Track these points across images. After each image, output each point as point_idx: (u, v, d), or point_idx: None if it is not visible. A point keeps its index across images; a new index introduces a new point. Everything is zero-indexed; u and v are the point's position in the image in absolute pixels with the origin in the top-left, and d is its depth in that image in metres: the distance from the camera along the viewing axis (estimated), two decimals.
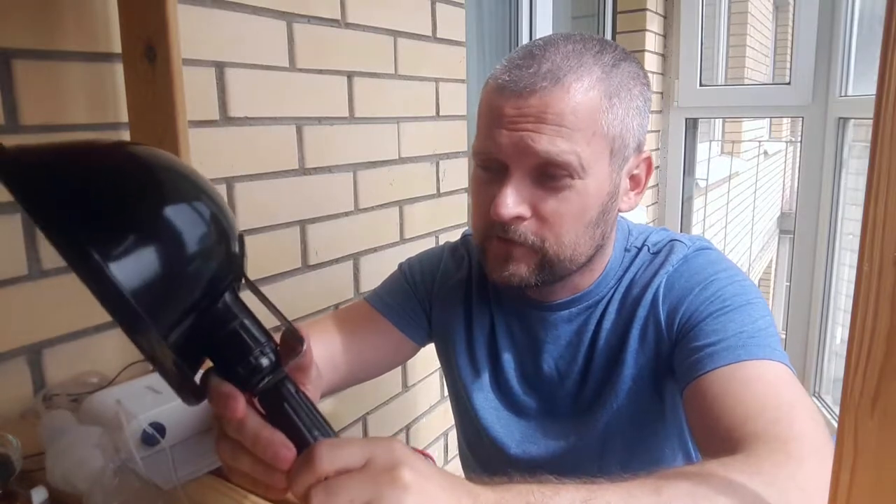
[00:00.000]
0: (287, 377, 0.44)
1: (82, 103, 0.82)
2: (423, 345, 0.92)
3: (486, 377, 0.86)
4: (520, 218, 0.69)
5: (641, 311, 0.75)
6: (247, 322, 0.43)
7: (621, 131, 0.70)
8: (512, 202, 0.68)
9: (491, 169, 0.71)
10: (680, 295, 0.73)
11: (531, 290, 0.78)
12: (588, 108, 0.67)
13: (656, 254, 0.79)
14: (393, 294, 0.91)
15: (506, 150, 0.68)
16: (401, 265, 0.95)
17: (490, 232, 0.72)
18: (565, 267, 0.73)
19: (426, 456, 0.49)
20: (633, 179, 0.76)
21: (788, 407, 0.58)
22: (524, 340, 0.83)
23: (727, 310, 0.69)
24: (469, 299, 0.88)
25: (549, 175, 0.68)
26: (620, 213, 0.77)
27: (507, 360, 0.84)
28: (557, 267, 0.72)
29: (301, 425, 0.43)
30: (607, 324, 0.78)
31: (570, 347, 0.80)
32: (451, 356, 0.89)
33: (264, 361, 0.43)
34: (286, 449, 0.42)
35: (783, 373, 0.64)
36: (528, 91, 0.66)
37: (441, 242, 1.53)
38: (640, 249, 0.80)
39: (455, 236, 1.60)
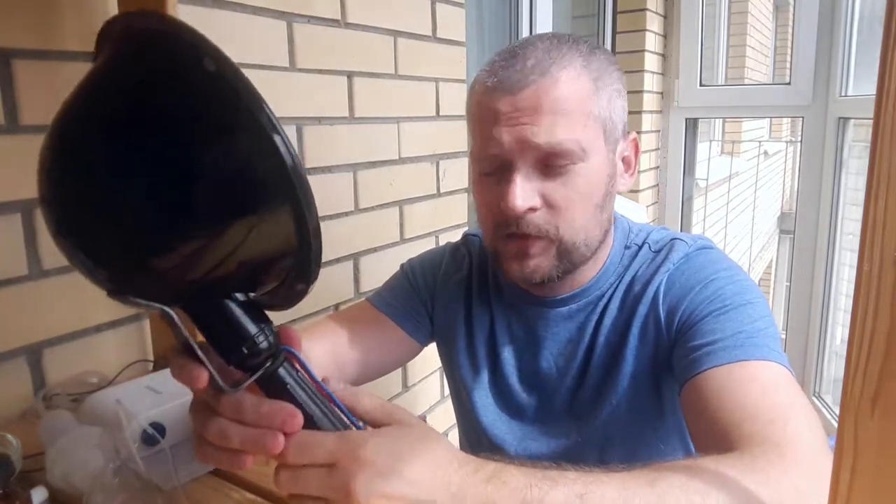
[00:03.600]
0: (287, 361, 0.45)
1: None
2: (426, 344, 0.92)
3: (485, 376, 0.86)
4: (532, 209, 0.70)
5: (642, 309, 0.76)
6: (245, 304, 0.44)
7: (610, 113, 0.72)
8: (522, 195, 0.69)
9: (494, 171, 0.72)
10: (680, 293, 0.74)
11: (536, 286, 0.78)
12: (579, 93, 0.69)
13: (658, 252, 0.79)
14: (396, 294, 0.91)
15: (508, 146, 0.69)
16: (403, 265, 0.95)
17: (501, 231, 0.73)
18: (581, 253, 0.74)
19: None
20: (625, 161, 0.78)
21: (784, 408, 0.59)
22: (523, 338, 0.84)
23: (726, 309, 0.69)
24: (469, 298, 0.88)
25: (554, 164, 0.70)
26: (618, 194, 0.79)
27: (507, 357, 0.84)
28: (574, 254, 0.74)
29: (307, 408, 0.44)
30: (608, 321, 0.78)
31: (569, 344, 0.80)
32: (452, 355, 0.89)
33: (263, 344, 0.43)
34: (292, 416, 0.44)
35: (780, 374, 0.64)
36: (519, 87, 0.68)
37: (441, 242, 1.53)
38: (640, 247, 0.81)
39: (455, 236, 1.60)
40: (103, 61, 0.43)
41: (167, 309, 0.42)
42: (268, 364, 0.44)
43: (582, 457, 0.79)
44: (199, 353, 0.42)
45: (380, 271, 1.35)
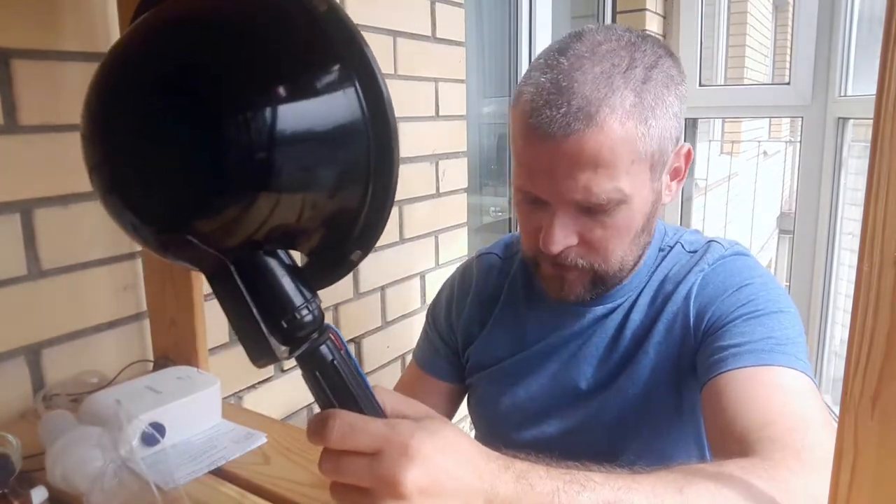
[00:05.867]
0: (331, 340, 0.44)
1: (82, 104, 0.82)
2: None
3: (502, 363, 0.86)
4: (568, 248, 0.72)
5: (672, 306, 0.76)
6: (293, 275, 0.43)
7: (660, 145, 0.69)
8: (559, 238, 0.70)
9: (531, 200, 0.72)
10: (713, 294, 0.74)
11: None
12: (624, 141, 0.65)
13: (693, 252, 0.80)
14: (428, 349, 0.95)
15: (545, 192, 0.69)
16: (427, 312, 0.99)
17: (540, 257, 0.75)
18: (616, 277, 0.76)
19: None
20: (674, 171, 0.77)
21: (806, 418, 0.59)
22: (549, 328, 0.84)
23: (758, 314, 0.70)
24: (485, 304, 0.90)
25: (592, 209, 0.69)
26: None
27: (530, 344, 0.85)
28: (608, 280, 0.76)
29: (351, 387, 0.43)
30: (636, 316, 0.79)
31: (593, 336, 0.81)
32: (472, 357, 0.90)
33: (308, 318, 0.43)
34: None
35: (805, 383, 0.64)
36: (560, 135, 0.65)
37: (441, 242, 1.53)
38: (672, 247, 0.82)
39: (455, 236, 1.60)
40: (170, 9, 0.42)
41: (227, 259, 0.41)
42: (314, 337, 0.43)
43: (592, 443, 0.79)
44: (255, 311, 0.41)
45: (379, 272, 1.35)
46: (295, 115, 0.38)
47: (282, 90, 0.38)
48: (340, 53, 0.39)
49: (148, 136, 0.39)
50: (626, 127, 0.65)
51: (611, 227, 0.70)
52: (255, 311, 0.42)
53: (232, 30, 0.39)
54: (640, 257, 0.78)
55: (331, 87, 0.39)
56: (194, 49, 0.39)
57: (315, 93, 0.39)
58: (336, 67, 0.39)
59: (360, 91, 0.39)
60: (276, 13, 0.40)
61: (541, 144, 0.66)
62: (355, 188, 0.41)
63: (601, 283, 0.76)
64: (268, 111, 0.37)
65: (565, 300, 0.77)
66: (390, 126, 0.40)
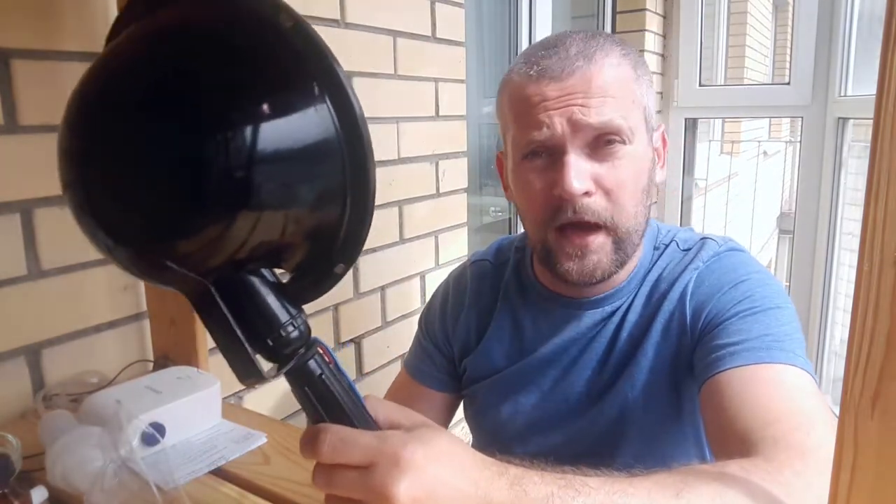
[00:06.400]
0: (319, 354, 0.43)
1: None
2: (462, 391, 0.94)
3: (502, 370, 0.86)
4: (588, 193, 0.71)
5: (668, 305, 0.76)
6: (276, 292, 0.43)
7: (648, 102, 0.74)
8: (578, 176, 0.69)
9: (540, 156, 0.73)
10: (708, 292, 0.74)
11: (570, 286, 0.79)
12: (624, 78, 0.71)
13: (687, 250, 0.80)
14: (422, 358, 0.94)
15: (558, 130, 0.70)
16: (419, 320, 0.98)
17: (554, 222, 0.73)
18: (633, 243, 0.75)
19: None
20: (656, 152, 0.79)
21: (808, 416, 0.58)
22: (547, 333, 0.83)
23: (755, 311, 0.70)
24: (482, 311, 0.89)
25: (604, 144, 0.70)
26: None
27: (528, 350, 0.84)
28: (628, 243, 0.75)
29: (341, 401, 0.43)
30: (632, 317, 0.78)
31: (592, 341, 0.80)
32: (469, 367, 0.89)
33: (294, 333, 0.42)
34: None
35: (805, 380, 0.64)
36: (566, 73, 0.70)
37: (440, 243, 1.53)
38: (667, 246, 0.81)
39: (455, 236, 1.60)
40: (146, 27, 0.43)
41: (206, 282, 0.41)
42: (301, 352, 0.43)
43: (593, 447, 0.79)
44: (239, 332, 0.41)
45: (379, 272, 1.35)
46: (266, 134, 0.38)
47: (252, 109, 0.38)
48: (309, 70, 0.39)
49: (125, 157, 0.39)
50: (622, 68, 0.72)
51: (622, 170, 0.71)
52: (238, 330, 0.41)
53: (200, 50, 0.39)
54: (645, 228, 0.77)
55: (301, 104, 0.39)
56: (167, 69, 0.39)
57: (285, 110, 0.39)
58: (305, 84, 0.39)
59: (331, 107, 0.39)
60: (242, 31, 0.40)
61: (547, 85, 0.70)
62: (333, 203, 0.41)
63: (622, 249, 0.74)
64: (239, 130, 0.37)
65: (590, 278, 0.74)
66: (363, 140, 0.40)
